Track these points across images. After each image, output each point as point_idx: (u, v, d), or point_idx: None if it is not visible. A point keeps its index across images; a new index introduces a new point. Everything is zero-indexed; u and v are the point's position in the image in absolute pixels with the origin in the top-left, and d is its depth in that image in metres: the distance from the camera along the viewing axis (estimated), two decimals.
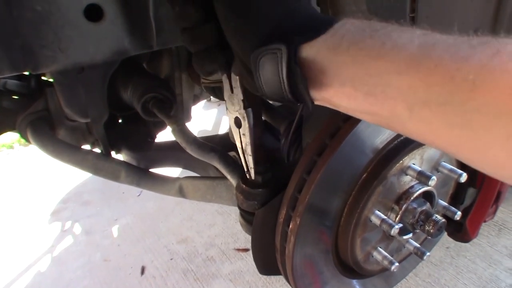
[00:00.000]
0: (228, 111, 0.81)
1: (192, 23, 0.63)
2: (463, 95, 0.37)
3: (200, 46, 0.66)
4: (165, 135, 1.47)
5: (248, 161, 0.84)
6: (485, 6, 1.10)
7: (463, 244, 1.82)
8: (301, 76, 0.51)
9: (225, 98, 0.79)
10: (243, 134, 0.80)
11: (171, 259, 2.01)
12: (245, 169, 0.88)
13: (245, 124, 0.78)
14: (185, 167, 1.47)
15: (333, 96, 0.51)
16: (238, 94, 0.75)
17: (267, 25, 0.55)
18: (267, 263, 0.94)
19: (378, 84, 0.45)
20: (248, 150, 0.81)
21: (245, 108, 0.76)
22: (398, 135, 0.83)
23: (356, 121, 0.75)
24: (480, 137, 0.37)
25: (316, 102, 0.55)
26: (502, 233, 1.88)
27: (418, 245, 0.95)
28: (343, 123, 0.76)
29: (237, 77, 0.72)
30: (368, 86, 0.46)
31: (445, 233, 1.17)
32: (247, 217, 0.92)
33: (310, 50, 0.51)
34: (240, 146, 0.84)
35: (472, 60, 0.37)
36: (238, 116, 0.78)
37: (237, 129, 0.81)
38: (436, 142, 0.44)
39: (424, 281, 1.68)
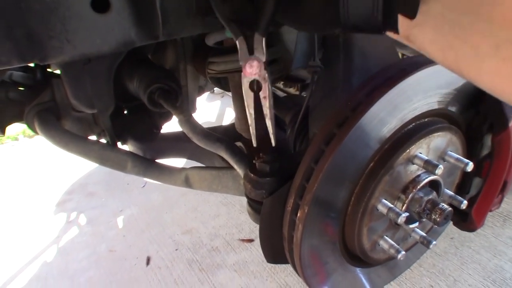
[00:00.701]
0: (242, 77, 0.79)
1: None
2: None
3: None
4: (170, 126, 1.47)
5: (269, 126, 0.82)
6: None
7: (467, 234, 1.83)
8: None
9: (241, 62, 0.77)
10: (264, 97, 0.78)
11: (176, 249, 2.02)
12: (269, 134, 0.85)
13: (266, 86, 0.77)
14: (190, 157, 1.48)
15: (419, 24, 0.48)
16: (260, 54, 0.74)
17: None
18: (275, 251, 0.95)
19: (469, 13, 0.41)
20: (269, 113, 0.80)
21: (266, 69, 0.75)
22: (406, 124, 0.83)
23: (364, 111, 0.75)
24: None
25: (398, 37, 0.51)
26: (507, 223, 1.88)
27: (424, 234, 0.95)
28: (351, 113, 0.76)
29: (263, 37, 0.71)
30: (458, 13, 0.43)
31: (450, 223, 1.17)
32: (255, 206, 0.92)
33: None
34: (252, 113, 0.81)
35: None
36: (258, 78, 0.77)
37: (252, 94, 0.79)
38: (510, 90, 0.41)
39: (429, 271, 1.68)
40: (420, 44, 0.49)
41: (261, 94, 0.79)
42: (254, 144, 0.84)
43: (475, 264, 1.69)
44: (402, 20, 0.48)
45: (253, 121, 0.82)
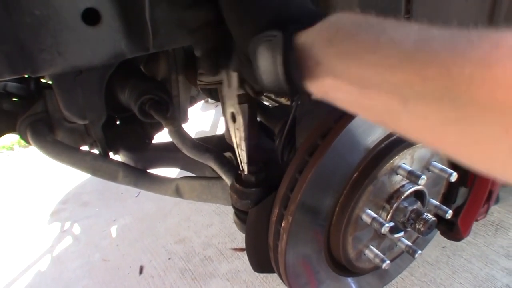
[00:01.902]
0: (225, 106, 0.83)
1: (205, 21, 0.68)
2: (460, 90, 0.36)
3: (210, 45, 0.69)
4: (162, 136, 1.49)
5: (242, 156, 0.86)
6: (480, 6, 1.11)
7: (459, 243, 1.83)
8: (297, 64, 0.51)
9: (223, 93, 0.81)
10: (237, 129, 0.82)
11: (169, 258, 2.03)
12: (240, 164, 0.90)
13: (239, 119, 0.80)
14: (182, 167, 1.49)
15: (328, 89, 0.51)
16: (234, 90, 0.77)
17: (265, 14, 0.58)
18: (261, 261, 0.96)
19: (372, 78, 0.44)
20: (242, 145, 0.83)
21: (239, 103, 0.78)
22: (389, 136, 0.85)
23: (347, 121, 0.77)
24: (477, 132, 0.36)
25: (313, 96, 0.54)
26: (498, 233, 1.89)
27: (410, 244, 0.96)
28: (334, 124, 0.78)
29: (235, 73, 0.74)
30: (363, 79, 0.45)
31: (438, 233, 1.18)
32: (241, 216, 0.93)
33: (306, 39, 0.51)
34: (235, 140, 0.86)
35: (469, 54, 0.36)
36: (234, 111, 0.80)
37: (233, 124, 0.83)
38: (431, 139, 0.42)
39: (420, 281, 1.69)
40: (337, 102, 0.52)
41: (235, 125, 0.82)
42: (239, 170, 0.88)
43: (466, 273, 1.69)
44: (313, 85, 0.52)
45: (237, 148, 0.86)
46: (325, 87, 0.51)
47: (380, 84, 0.43)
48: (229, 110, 0.83)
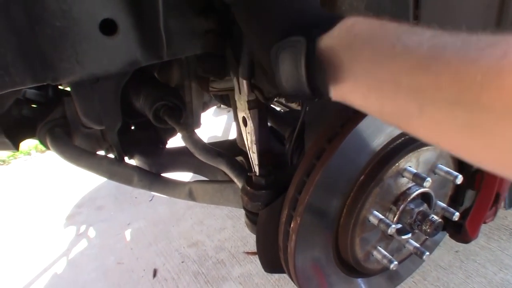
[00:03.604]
0: (237, 111, 0.86)
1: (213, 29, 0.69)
2: (472, 96, 0.38)
3: (218, 52, 0.71)
4: (176, 141, 1.52)
5: (253, 158, 0.89)
6: (488, 12, 1.12)
7: (472, 248, 1.82)
8: (319, 68, 0.52)
9: (235, 99, 0.84)
10: (248, 133, 0.85)
11: (182, 262, 2.06)
12: (252, 166, 0.92)
13: (250, 124, 0.83)
14: (195, 171, 1.52)
15: (348, 92, 0.53)
16: (244, 95, 0.80)
17: (284, 22, 0.59)
18: (272, 261, 0.98)
19: (390, 84, 0.46)
20: (254, 147, 0.86)
21: (249, 109, 0.81)
22: (394, 139, 0.87)
23: (353, 126, 0.79)
24: (488, 137, 0.38)
25: (333, 99, 0.56)
26: None
27: (418, 245, 0.98)
28: (341, 128, 0.80)
29: (244, 80, 0.77)
30: (381, 83, 0.47)
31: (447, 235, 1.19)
32: (252, 217, 0.96)
33: (327, 44, 0.52)
34: (247, 143, 0.89)
35: (480, 62, 0.38)
36: (245, 115, 0.83)
37: (244, 128, 0.86)
38: (444, 143, 0.45)
39: (433, 285, 1.68)
40: (356, 105, 0.54)
41: (247, 129, 0.85)
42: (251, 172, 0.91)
43: (480, 278, 1.68)
44: (333, 89, 0.54)
45: (248, 151, 0.89)
46: (344, 91, 0.53)
47: (397, 90, 0.46)
48: (241, 115, 0.86)
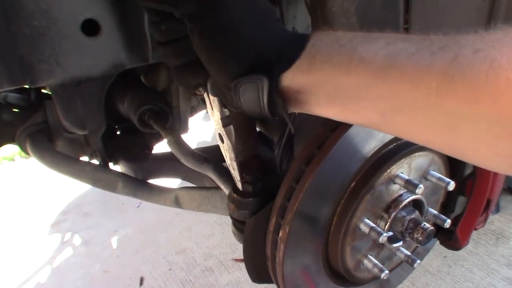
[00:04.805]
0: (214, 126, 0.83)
1: (176, 37, 0.61)
2: (429, 101, 0.40)
3: (183, 60, 0.63)
4: (162, 147, 1.49)
5: (234, 175, 0.86)
6: (478, 15, 1.12)
7: (460, 253, 1.83)
8: (282, 103, 0.54)
9: (209, 114, 0.80)
10: (226, 150, 0.82)
11: (170, 269, 2.02)
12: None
13: (226, 141, 0.80)
14: (182, 178, 1.49)
15: (312, 111, 0.55)
16: (216, 113, 0.76)
17: (248, 54, 0.55)
18: (259, 271, 0.95)
19: (350, 97, 0.48)
20: (234, 164, 0.83)
21: (224, 126, 0.77)
22: (386, 145, 0.85)
23: (343, 131, 0.77)
24: (457, 137, 0.41)
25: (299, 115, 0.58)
26: (499, 242, 1.89)
27: (409, 253, 0.96)
28: (331, 133, 0.78)
29: (214, 97, 0.73)
30: (342, 99, 0.49)
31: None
32: (238, 226, 0.93)
33: (289, 77, 0.53)
34: (226, 160, 0.86)
35: (433, 68, 0.40)
36: (220, 133, 0.80)
37: (222, 144, 0.83)
38: (415, 140, 0.48)
39: None
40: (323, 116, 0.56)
41: (224, 146, 0.82)
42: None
43: (468, 283, 1.69)
44: (296, 110, 0.57)
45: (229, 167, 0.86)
46: (309, 110, 0.56)
47: (358, 102, 0.48)
48: (217, 131, 0.82)
